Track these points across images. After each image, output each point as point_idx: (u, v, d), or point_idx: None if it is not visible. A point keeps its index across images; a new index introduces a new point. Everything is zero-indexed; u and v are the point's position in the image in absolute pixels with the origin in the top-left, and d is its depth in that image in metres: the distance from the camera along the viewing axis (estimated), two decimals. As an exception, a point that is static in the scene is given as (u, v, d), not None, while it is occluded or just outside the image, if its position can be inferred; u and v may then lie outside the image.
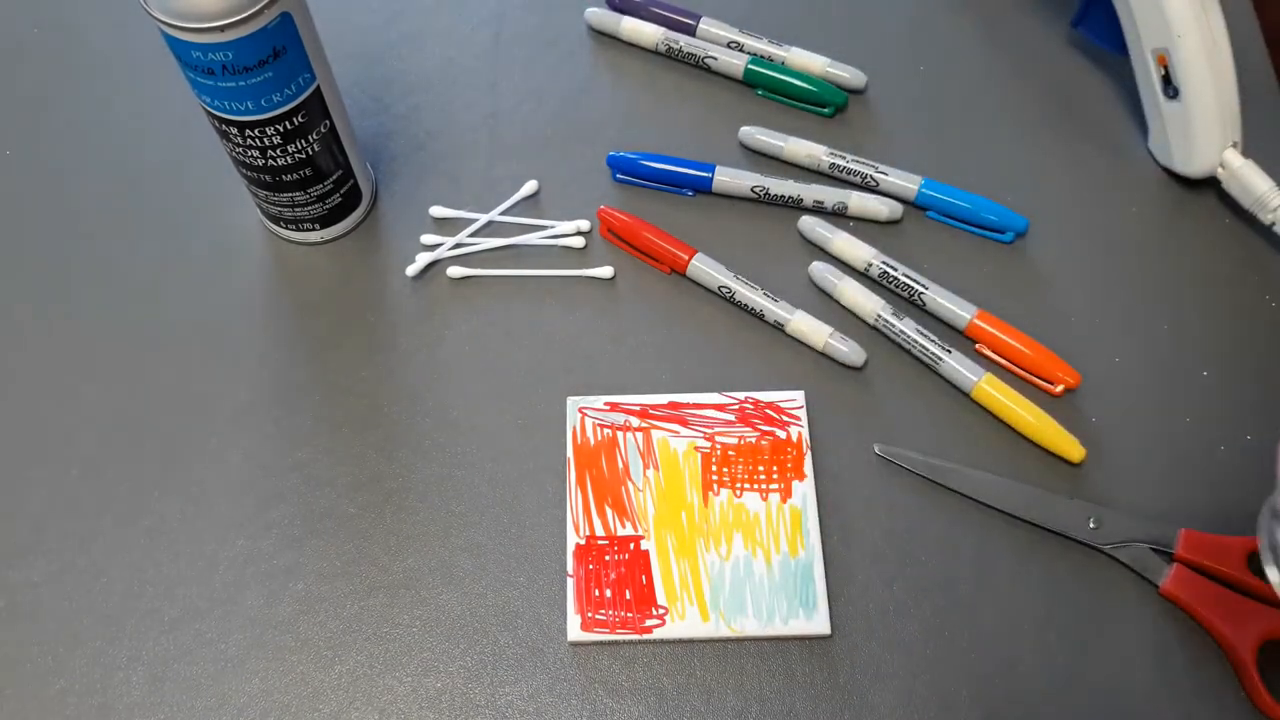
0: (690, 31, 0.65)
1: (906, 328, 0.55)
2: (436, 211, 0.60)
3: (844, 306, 0.57)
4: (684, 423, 0.53)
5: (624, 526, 0.51)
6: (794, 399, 0.54)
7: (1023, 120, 0.63)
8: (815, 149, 0.60)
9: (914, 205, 0.60)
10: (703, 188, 0.60)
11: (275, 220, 0.59)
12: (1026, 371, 0.54)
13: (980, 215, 0.58)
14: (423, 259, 0.58)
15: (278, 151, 0.53)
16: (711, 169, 0.59)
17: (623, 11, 0.66)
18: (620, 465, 0.52)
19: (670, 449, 0.53)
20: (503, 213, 0.60)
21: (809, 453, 0.53)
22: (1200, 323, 0.56)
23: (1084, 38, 0.63)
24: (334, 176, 0.56)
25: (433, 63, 0.65)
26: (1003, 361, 0.55)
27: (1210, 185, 0.59)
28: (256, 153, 0.53)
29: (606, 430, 0.53)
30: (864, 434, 0.53)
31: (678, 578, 0.50)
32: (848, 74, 0.63)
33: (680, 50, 0.64)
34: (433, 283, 0.58)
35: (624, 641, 0.49)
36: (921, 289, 0.56)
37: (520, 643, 0.49)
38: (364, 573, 0.51)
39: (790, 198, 0.59)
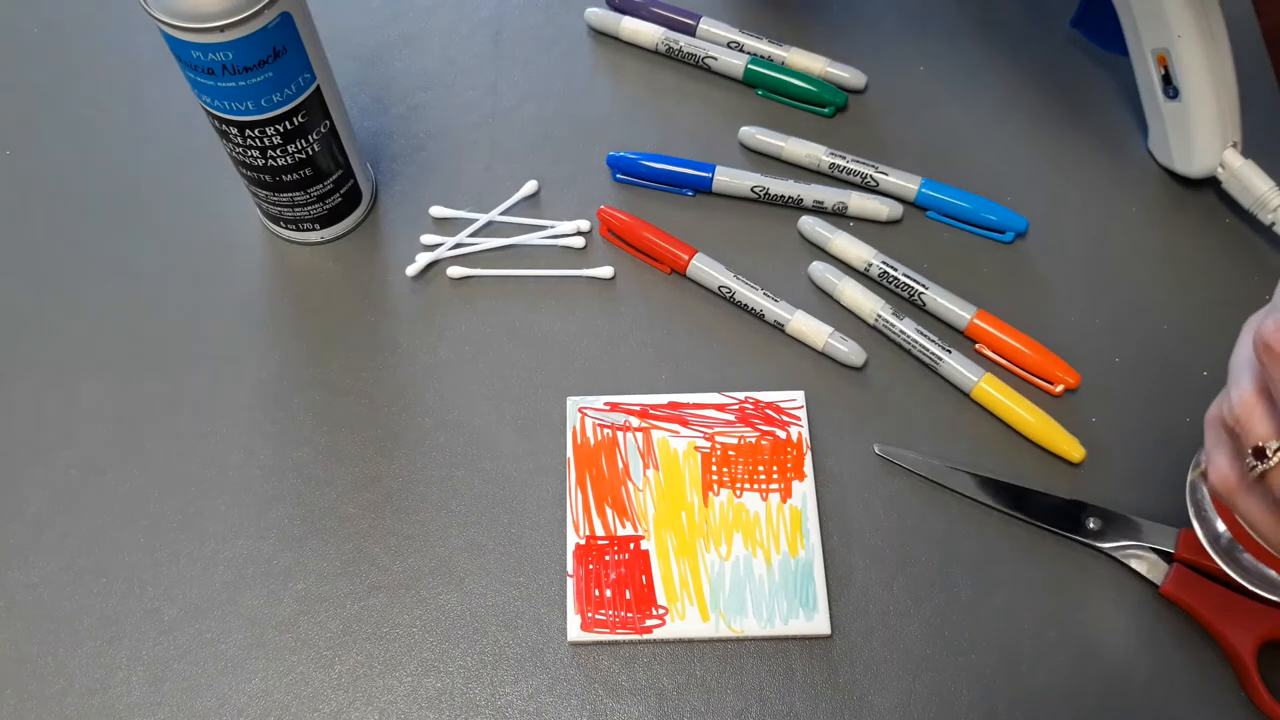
0: (690, 31, 0.65)
1: (906, 328, 0.55)
2: (436, 211, 0.60)
3: (844, 306, 0.57)
4: (684, 423, 0.53)
5: (624, 526, 0.51)
6: (794, 399, 0.54)
7: (1023, 120, 0.63)
8: (815, 149, 0.60)
9: (914, 205, 0.60)
10: (703, 188, 0.60)
11: (275, 220, 0.59)
12: (1026, 371, 0.54)
13: (980, 215, 0.58)
14: (423, 259, 0.58)
15: (278, 151, 0.53)
16: (711, 169, 0.59)
17: (623, 11, 0.66)
18: (620, 465, 0.52)
19: (670, 449, 0.53)
20: (503, 213, 0.60)
21: (809, 453, 0.53)
22: (1200, 323, 0.56)
23: (1084, 38, 0.63)
24: (334, 176, 0.56)
25: (433, 63, 0.65)
26: (1003, 361, 0.55)
27: (1210, 185, 0.59)
28: (256, 153, 0.53)
29: (606, 430, 0.53)
30: (864, 434, 0.53)
31: (678, 578, 0.50)
32: (848, 74, 0.63)
33: (680, 50, 0.64)
34: (433, 283, 0.58)
35: (624, 641, 0.49)
36: (921, 289, 0.56)
37: (520, 643, 0.49)
38: (364, 573, 0.51)
39: (790, 198, 0.59)
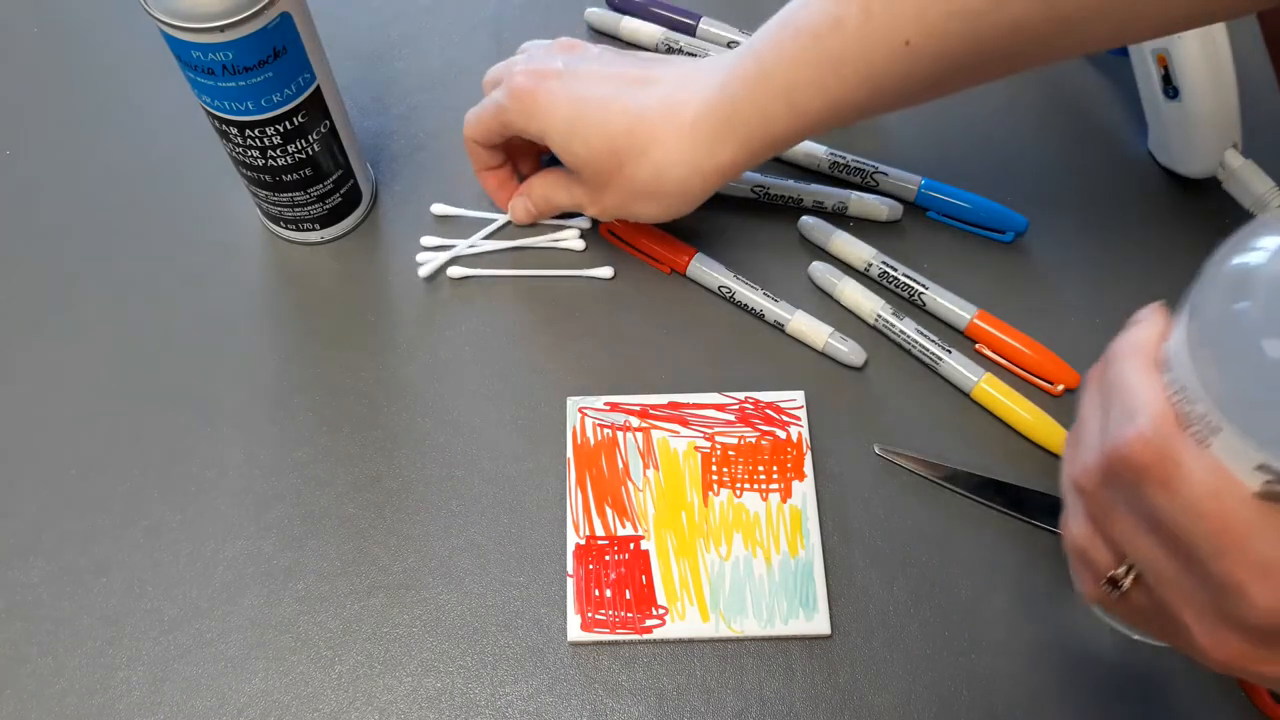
0: (690, 31, 0.65)
1: (906, 328, 0.55)
2: (438, 209, 0.60)
3: (844, 306, 0.57)
4: (684, 423, 0.53)
5: (624, 526, 0.51)
6: (794, 399, 0.54)
7: (1023, 120, 0.63)
8: (815, 149, 0.60)
9: (914, 205, 0.60)
10: (703, 188, 0.60)
11: (275, 220, 0.59)
12: (1026, 371, 0.54)
13: (980, 215, 0.58)
14: (427, 258, 0.58)
15: (278, 151, 0.53)
16: (711, 169, 0.59)
17: (623, 11, 0.66)
18: (620, 465, 0.52)
19: (670, 449, 0.53)
20: (505, 215, 0.60)
21: (809, 453, 0.53)
22: (1200, 323, 0.56)
23: (1084, 38, 0.63)
24: (334, 176, 0.56)
25: (433, 63, 0.65)
26: (1003, 361, 0.55)
27: (1210, 185, 0.59)
28: (256, 153, 0.53)
29: (606, 430, 0.53)
30: (864, 434, 0.53)
31: (678, 578, 0.50)
32: (848, 74, 0.63)
33: (680, 50, 0.64)
34: (433, 283, 0.58)
35: (624, 641, 0.49)
36: (921, 289, 0.56)
37: (520, 643, 0.49)
38: (364, 573, 0.51)
39: (790, 198, 0.59)
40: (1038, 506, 0.51)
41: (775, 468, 0.52)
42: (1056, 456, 0.53)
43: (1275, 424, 0.31)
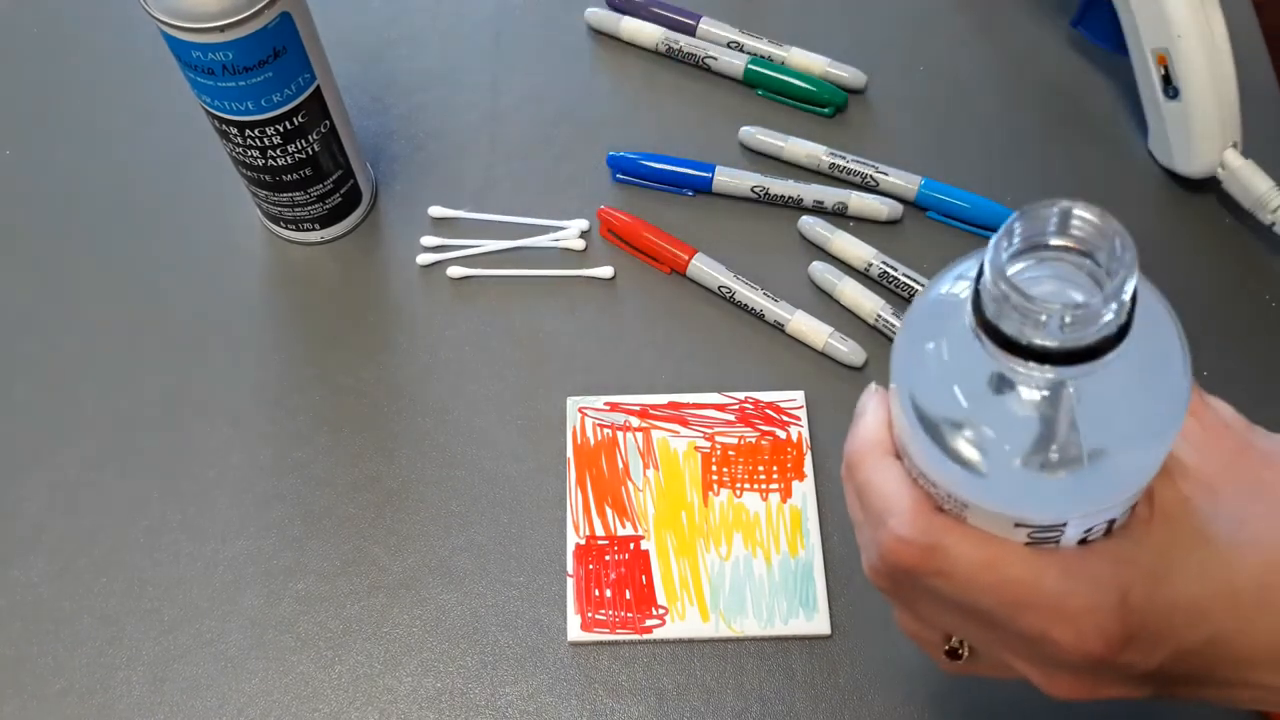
0: (690, 31, 0.64)
1: (906, 328, 0.55)
2: (436, 211, 0.60)
3: (844, 306, 0.57)
4: (684, 423, 0.53)
5: (624, 526, 0.51)
6: (794, 399, 0.54)
7: (1023, 120, 0.63)
8: (815, 149, 0.60)
9: (914, 205, 0.60)
10: (703, 188, 0.60)
11: (275, 220, 0.59)
12: (1026, 371, 0.54)
13: (980, 215, 0.58)
14: (428, 258, 0.58)
15: (278, 151, 0.53)
16: (711, 169, 0.59)
17: (623, 11, 0.65)
18: (620, 465, 0.52)
19: (670, 449, 0.53)
20: (505, 215, 0.60)
21: (809, 453, 0.53)
22: (1200, 323, 0.56)
23: (1084, 38, 0.63)
24: (334, 176, 0.56)
25: (433, 63, 0.65)
26: (1003, 361, 0.55)
27: (1210, 185, 0.59)
28: (256, 153, 0.53)
29: (606, 430, 0.53)
30: (864, 434, 0.53)
31: (678, 578, 0.50)
32: (848, 74, 0.63)
33: (680, 50, 0.64)
34: (433, 283, 0.58)
35: (624, 641, 0.49)
36: (921, 289, 0.56)
37: (520, 643, 0.49)
38: (364, 573, 0.51)
39: (790, 198, 0.59)
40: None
41: (775, 468, 0.52)
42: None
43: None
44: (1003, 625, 0.33)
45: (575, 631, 0.49)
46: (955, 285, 0.31)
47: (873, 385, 0.36)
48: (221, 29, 0.47)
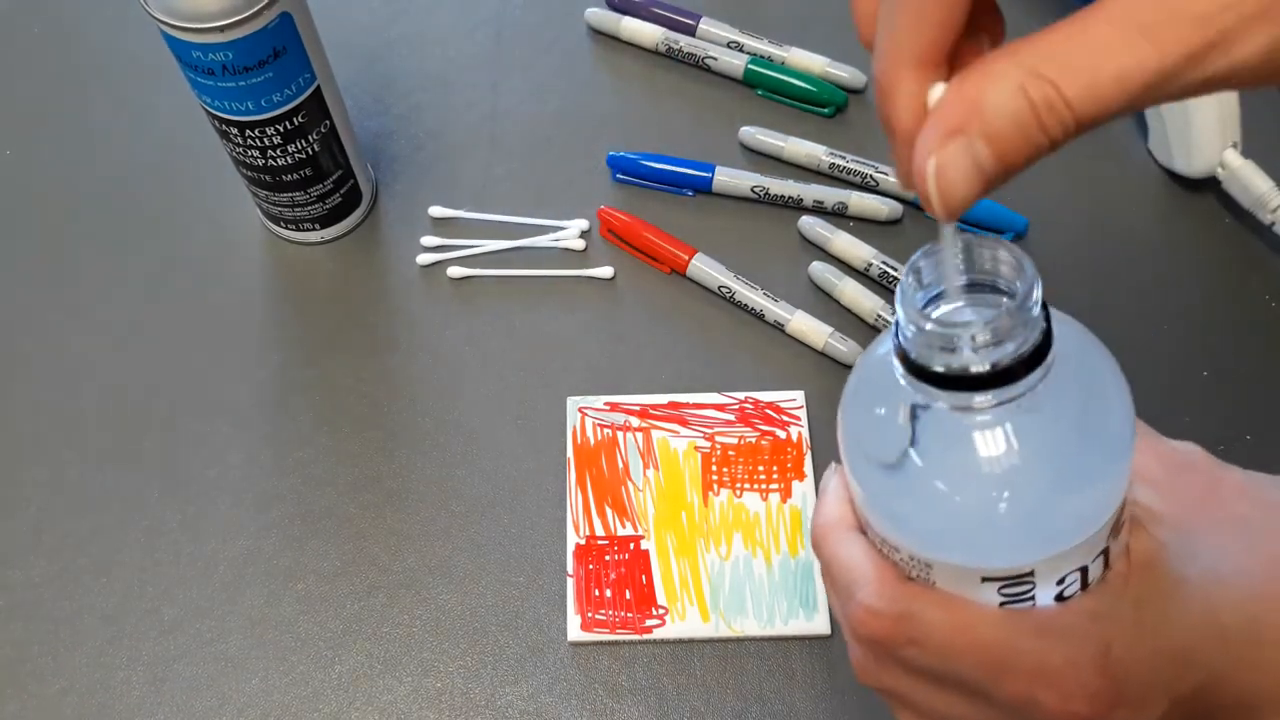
0: (690, 31, 0.64)
1: (906, 328, 0.55)
2: (436, 211, 0.60)
3: (844, 306, 0.57)
4: (684, 423, 0.53)
5: (624, 526, 0.51)
6: (794, 399, 0.54)
7: (1023, 120, 0.62)
8: (815, 149, 0.60)
9: (914, 205, 0.60)
10: (703, 188, 0.60)
11: (275, 220, 0.59)
12: (1026, 371, 0.54)
13: (980, 215, 0.58)
14: (428, 258, 0.58)
15: (278, 151, 0.53)
16: (711, 169, 0.59)
17: (623, 11, 0.65)
18: (620, 465, 0.52)
19: (670, 449, 0.53)
20: (505, 215, 0.60)
21: (809, 453, 0.53)
22: (1200, 323, 0.56)
23: (1084, 38, 0.63)
24: (334, 176, 0.56)
25: (433, 63, 0.65)
26: (1003, 361, 0.55)
27: (1210, 185, 0.59)
28: (256, 153, 0.53)
29: (606, 430, 0.53)
30: (864, 434, 0.53)
31: (678, 578, 0.50)
32: (848, 74, 0.63)
33: (680, 50, 0.64)
34: (433, 283, 0.58)
35: (624, 641, 0.49)
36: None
37: (520, 643, 0.49)
38: (364, 573, 0.51)
39: (790, 198, 0.59)
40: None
41: (775, 468, 0.52)
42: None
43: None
44: (987, 694, 0.32)
45: (575, 631, 0.49)
46: (880, 348, 0.31)
47: (834, 464, 0.36)
48: (221, 29, 0.47)
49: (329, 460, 0.53)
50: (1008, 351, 0.28)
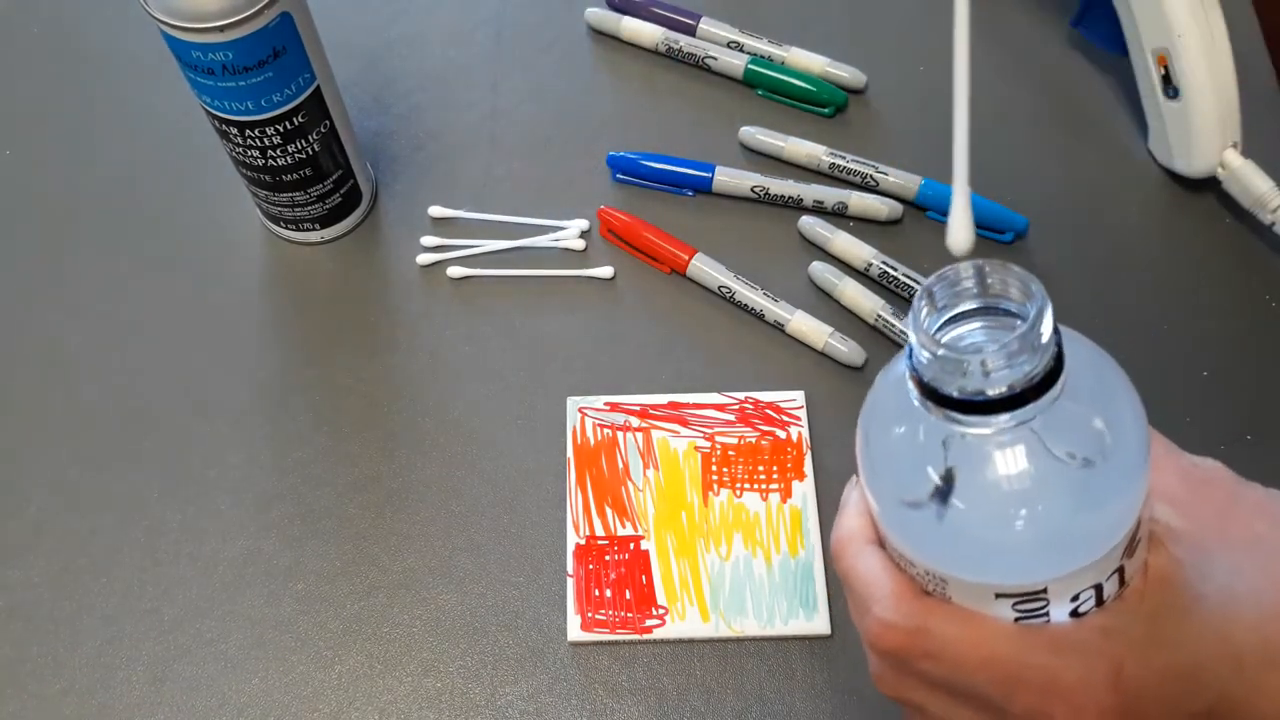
0: (690, 31, 0.64)
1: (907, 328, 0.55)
2: (436, 211, 0.60)
3: (844, 306, 0.57)
4: (684, 423, 0.53)
5: (624, 526, 0.51)
6: (794, 399, 0.54)
7: (1023, 120, 0.63)
8: (815, 149, 0.60)
9: (914, 205, 0.60)
10: (703, 188, 0.60)
11: (275, 220, 0.59)
12: (1026, 371, 0.54)
13: (980, 215, 0.58)
14: (428, 258, 0.58)
15: (278, 151, 0.53)
16: (711, 169, 0.59)
17: (623, 11, 0.65)
18: (620, 465, 0.52)
19: (670, 449, 0.53)
20: (505, 215, 0.60)
21: (809, 453, 0.53)
22: (1200, 323, 0.56)
23: (1084, 38, 0.63)
24: (334, 176, 0.56)
25: (433, 63, 0.65)
26: (1003, 361, 0.55)
27: (1210, 185, 0.59)
28: (256, 153, 0.53)
29: (606, 430, 0.53)
30: (864, 434, 0.53)
31: (678, 578, 0.50)
32: (848, 74, 0.63)
33: (680, 50, 0.64)
34: (433, 283, 0.58)
35: (624, 641, 0.49)
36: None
37: (520, 643, 0.49)
38: (364, 573, 0.51)
39: (790, 198, 0.59)
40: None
41: (775, 468, 0.52)
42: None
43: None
44: (1000, 708, 0.32)
45: (575, 631, 0.49)
46: (897, 366, 0.32)
47: (854, 478, 0.36)
48: (221, 29, 0.47)
49: (329, 460, 0.53)
50: (1020, 375, 0.28)
